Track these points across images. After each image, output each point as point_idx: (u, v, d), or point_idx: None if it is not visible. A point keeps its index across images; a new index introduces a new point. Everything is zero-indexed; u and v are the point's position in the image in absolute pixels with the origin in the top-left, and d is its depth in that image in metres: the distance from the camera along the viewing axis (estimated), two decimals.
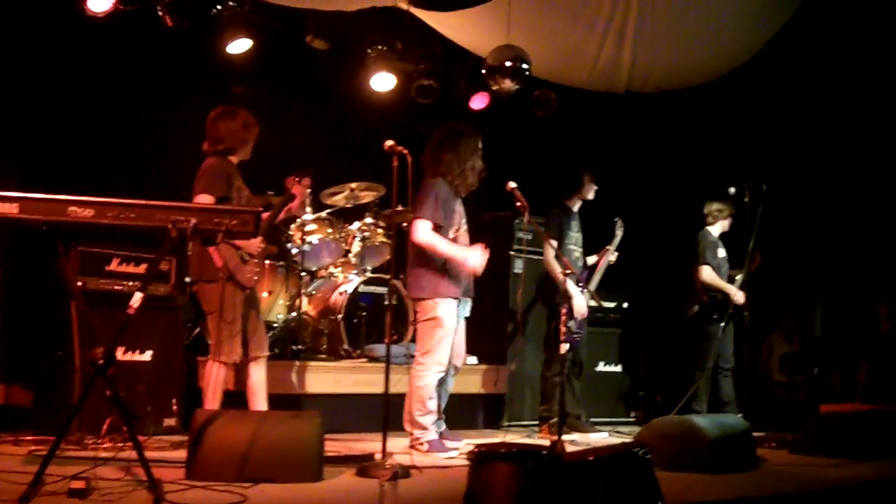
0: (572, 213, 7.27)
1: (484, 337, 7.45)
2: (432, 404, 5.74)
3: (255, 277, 5.51)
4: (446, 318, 5.76)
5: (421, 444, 5.66)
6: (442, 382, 5.94)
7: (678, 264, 8.11)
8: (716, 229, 7.85)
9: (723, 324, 7.54)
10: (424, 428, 5.70)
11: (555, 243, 6.83)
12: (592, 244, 7.45)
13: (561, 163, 7.94)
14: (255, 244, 5.39)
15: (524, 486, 3.23)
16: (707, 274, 7.69)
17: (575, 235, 7.24)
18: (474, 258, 5.76)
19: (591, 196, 7.31)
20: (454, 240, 5.86)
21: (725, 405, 7.58)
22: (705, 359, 7.62)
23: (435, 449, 5.61)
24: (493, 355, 7.78)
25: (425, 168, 5.97)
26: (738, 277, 7.59)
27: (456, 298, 5.83)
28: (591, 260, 7.44)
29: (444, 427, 6.05)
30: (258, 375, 5.54)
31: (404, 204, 6.11)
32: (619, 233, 7.45)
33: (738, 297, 7.56)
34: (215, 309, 5.34)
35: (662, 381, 8.67)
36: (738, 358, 7.64)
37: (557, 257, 6.67)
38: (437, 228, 5.76)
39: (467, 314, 6.15)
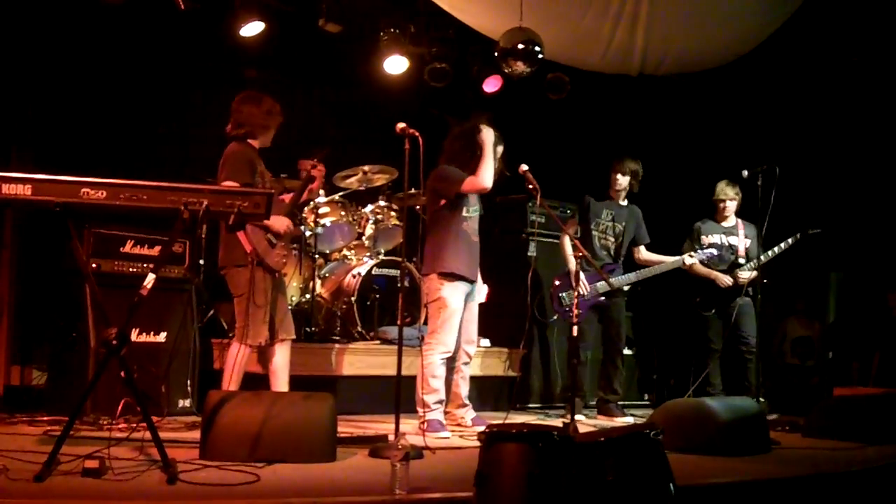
0: (607, 201, 7.26)
1: (497, 320, 7.45)
2: (437, 383, 5.80)
3: (284, 261, 5.54)
4: (451, 299, 5.83)
5: (423, 422, 5.72)
6: (452, 369, 5.97)
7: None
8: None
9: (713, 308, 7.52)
10: (428, 406, 5.76)
11: (579, 229, 7.03)
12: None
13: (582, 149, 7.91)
14: (284, 224, 5.43)
15: (534, 467, 3.23)
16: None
17: (605, 223, 7.24)
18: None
19: (620, 186, 7.23)
20: (466, 221, 5.95)
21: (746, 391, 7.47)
22: (703, 343, 7.58)
23: (432, 429, 5.65)
24: (507, 338, 7.78)
25: (439, 159, 6.04)
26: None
27: (462, 279, 5.88)
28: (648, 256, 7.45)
29: (473, 414, 6.14)
30: (282, 358, 5.57)
31: (416, 187, 6.12)
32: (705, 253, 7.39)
33: (722, 280, 7.50)
34: (244, 292, 5.35)
35: (676, 364, 8.64)
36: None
37: (571, 241, 6.65)
38: (458, 198, 5.87)
39: (482, 300, 6.18)
